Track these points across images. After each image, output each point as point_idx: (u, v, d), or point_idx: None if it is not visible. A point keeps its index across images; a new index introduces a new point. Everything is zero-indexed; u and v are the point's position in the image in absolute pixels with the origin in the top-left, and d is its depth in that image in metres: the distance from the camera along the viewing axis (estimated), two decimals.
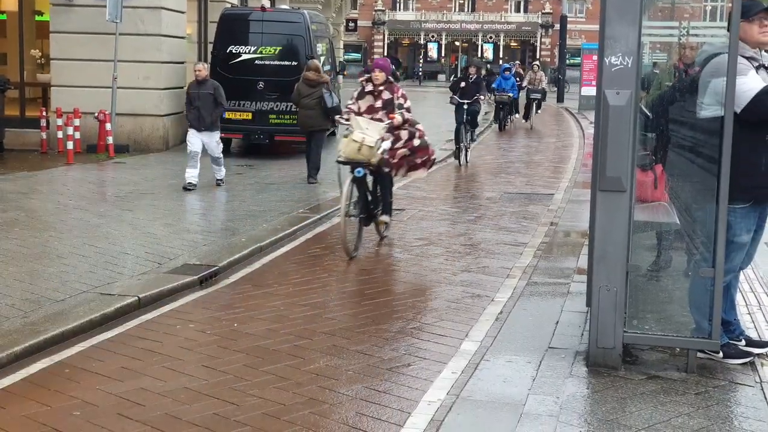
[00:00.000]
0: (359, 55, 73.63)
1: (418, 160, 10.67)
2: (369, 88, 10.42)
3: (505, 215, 12.66)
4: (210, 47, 19.95)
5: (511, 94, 27.23)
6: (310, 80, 15.01)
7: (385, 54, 72.29)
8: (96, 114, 17.27)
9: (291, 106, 17.79)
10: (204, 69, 14.38)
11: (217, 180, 14.39)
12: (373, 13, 79.58)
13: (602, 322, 5.87)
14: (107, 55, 17.47)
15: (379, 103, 10.32)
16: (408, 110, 10.37)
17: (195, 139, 14.00)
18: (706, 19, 9.47)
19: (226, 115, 17.95)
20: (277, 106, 18.09)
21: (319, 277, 9.00)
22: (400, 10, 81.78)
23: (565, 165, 18.83)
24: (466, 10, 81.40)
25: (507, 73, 28.02)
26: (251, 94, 18.03)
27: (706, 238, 5.78)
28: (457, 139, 18.49)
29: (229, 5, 22.41)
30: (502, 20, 78.49)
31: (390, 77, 10.50)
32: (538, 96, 29.34)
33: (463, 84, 19.02)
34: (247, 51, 18.12)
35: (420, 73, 70.41)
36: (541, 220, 12.25)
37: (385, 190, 10.54)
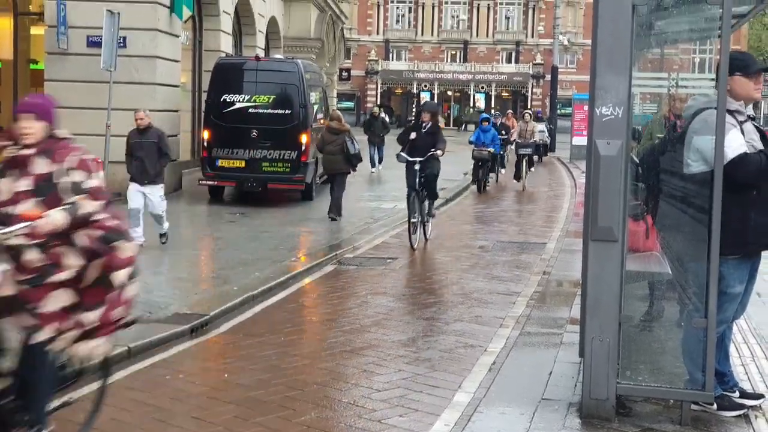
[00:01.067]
0: (352, 103, 74.14)
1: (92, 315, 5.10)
2: None
3: (497, 264, 12.65)
4: (204, 96, 20.03)
5: (491, 149, 23.29)
6: (333, 129, 16.63)
7: (378, 103, 72.72)
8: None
9: (285, 154, 17.92)
10: (146, 117, 12.86)
11: (161, 235, 12.92)
12: (367, 62, 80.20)
13: (595, 372, 5.84)
14: (101, 103, 17.50)
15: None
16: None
17: (136, 195, 12.59)
18: (694, 71, 9.55)
19: (219, 162, 18.10)
20: (270, 153, 18.12)
21: (310, 327, 8.97)
22: (393, 59, 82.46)
23: (557, 214, 18.87)
24: (458, 60, 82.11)
25: (486, 124, 24.13)
26: (244, 142, 18.07)
27: (698, 289, 5.77)
28: (409, 212, 13.85)
29: (224, 54, 22.57)
30: (494, 71, 79.16)
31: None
32: (528, 151, 25.12)
33: (413, 135, 14.07)
34: (241, 99, 18.19)
35: (412, 121, 70.75)
36: (534, 269, 12.24)
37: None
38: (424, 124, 14.05)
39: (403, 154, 13.92)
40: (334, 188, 16.21)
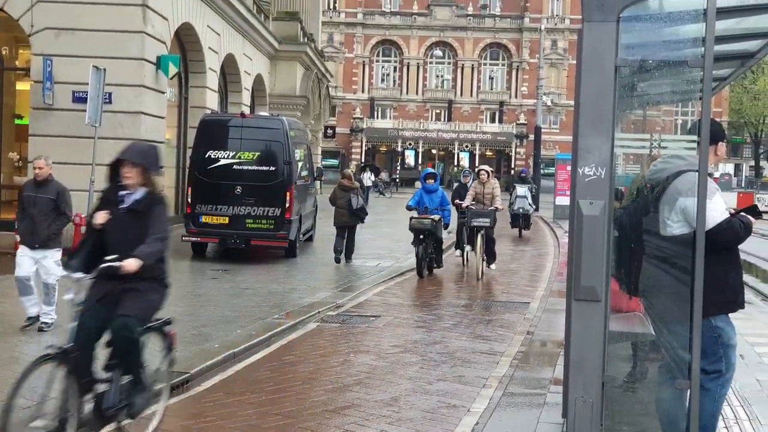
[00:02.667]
0: (337, 161, 74.48)
1: None
2: None
3: (481, 323, 12.62)
4: (189, 152, 20.07)
5: (435, 217, 17.16)
6: (344, 186, 18.76)
7: (363, 160, 73.01)
8: (73, 217, 17.18)
9: (268, 210, 17.92)
10: (46, 166, 10.68)
11: (42, 323, 10.56)
12: (352, 120, 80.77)
13: None
14: (86, 159, 17.48)
15: None
16: None
17: (26, 261, 10.57)
18: (677, 133, 9.64)
19: (203, 219, 18.06)
20: (254, 210, 18.12)
21: (292, 386, 8.88)
22: (377, 118, 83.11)
23: (540, 273, 18.88)
24: (442, 119, 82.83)
25: (431, 181, 18.00)
26: (228, 199, 18.07)
27: (682, 349, 5.76)
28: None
29: (209, 111, 22.66)
30: (478, 130, 79.83)
31: None
32: (485, 223, 17.33)
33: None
34: (225, 156, 18.22)
35: (397, 180, 71.06)
36: (518, 328, 12.20)
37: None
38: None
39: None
40: (348, 238, 18.49)
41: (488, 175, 18.49)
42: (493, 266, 18.26)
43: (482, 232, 17.42)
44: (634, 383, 6.61)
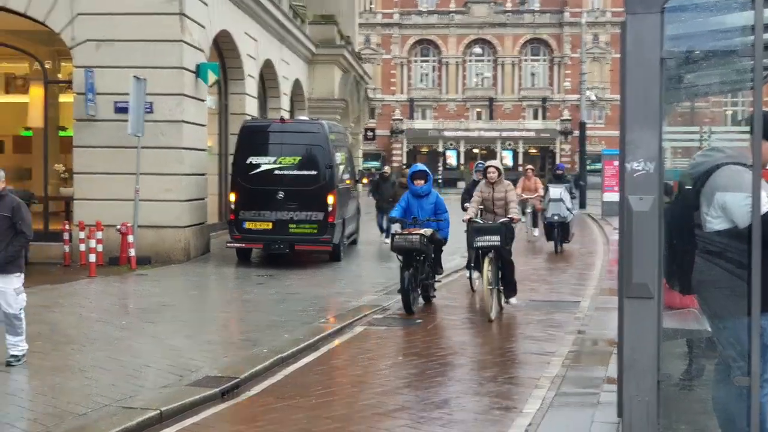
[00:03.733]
0: (378, 163, 74.51)
1: None
2: None
3: (531, 323, 12.49)
4: (231, 158, 20.15)
5: (427, 232, 13.15)
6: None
7: (404, 162, 72.99)
8: (118, 226, 17.37)
9: (311, 215, 17.92)
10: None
11: (11, 356, 9.14)
12: (392, 122, 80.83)
13: None
14: (129, 168, 17.66)
15: None
16: None
17: None
18: (727, 124, 9.48)
19: (247, 225, 18.11)
20: (297, 215, 18.12)
21: (342, 389, 8.86)
22: (418, 119, 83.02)
23: (590, 272, 18.67)
24: (483, 118, 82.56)
25: (421, 183, 13.81)
26: (271, 204, 18.09)
27: (740, 345, 5.64)
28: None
29: (249, 117, 22.75)
30: (521, 127, 79.50)
31: None
32: (493, 242, 12.66)
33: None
34: (267, 161, 18.25)
35: (440, 181, 71.02)
36: (568, 328, 12.06)
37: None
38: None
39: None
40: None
41: (498, 174, 13.44)
42: (513, 300, 13.40)
43: (490, 254, 12.64)
44: (691, 381, 6.50)
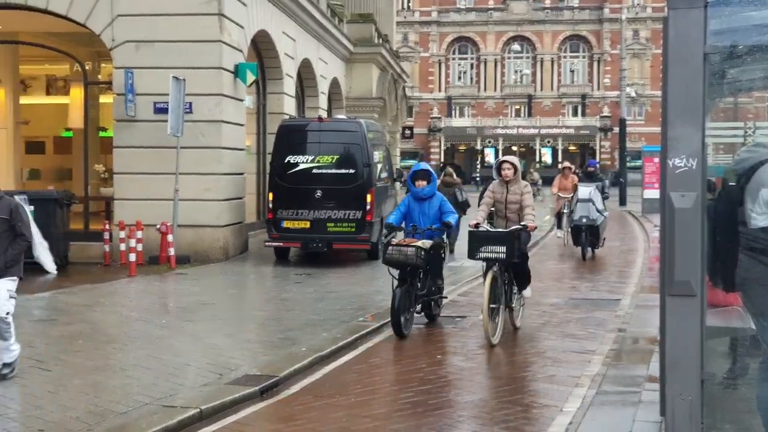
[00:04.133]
0: (416, 161, 74.39)
1: None
2: None
3: (571, 322, 12.40)
4: (269, 158, 20.22)
5: (425, 244, 11.29)
6: (446, 182, 20.30)
7: (442, 160, 72.89)
8: (158, 226, 17.48)
9: (349, 213, 17.92)
10: None
11: (4, 365, 8.72)
12: (429, 120, 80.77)
13: None
14: (168, 168, 17.76)
15: None
16: None
17: None
18: None
19: (285, 223, 18.15)
20: (335, 213, 18.13)
21: (381, 387, 8.84)
22: (456, 116, 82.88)
23: (630, 269, 18.50)
24: (522, 115, 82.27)
25: (423, 184, 11.92)
26: (309, 203, 18.12)
27: None
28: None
29: (287, 117, 22.81)
30: (560, 124, 79.13)
31: None
32: (499, 254, 10.84)
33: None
34: (304, 160, 18.27)
35: (478, 179, 70.82)
36: (609, 326, 11.95)
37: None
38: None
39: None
40: (450, 234, 15.75)
41: (515, 171, 11.58)
42: (527, 292, 12.05)
43: (495, 268, 10.89)
44: (735, 380, 6.40)
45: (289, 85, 24.74)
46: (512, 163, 11.62)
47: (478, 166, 75.87)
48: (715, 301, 6.11)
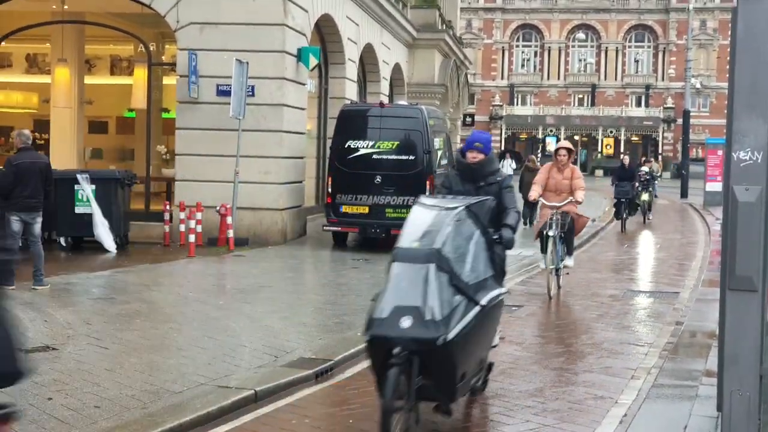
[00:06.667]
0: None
1: None
2: None
3: (628, 314, 12.29)
4: (329, 142, 20.28)
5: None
6: (529, 168, 22.95)
7: (503, 148, 72.52)
8: (218, 208, 17.65)
9: (408, 200, 17.89)
10: None
11: None
12: (491, 108, 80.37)
13: (735, 428, 5.56)
14: (229, 151, 17.89)
15: None
16: None
17: None
18: None
19: (343, 208, 18.18)
20: (394, 200, 18.12)
21: None
22: (517, 104, 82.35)
23: (690, 262, 18.26)
24: (585, 104, 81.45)
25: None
26: (368, 188, 18.13)
27: None
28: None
29: (348, 101, 22.84)
30: (623, 114, 78.23)
31: None
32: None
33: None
34: (365, 145, 18.28)
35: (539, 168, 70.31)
36: (666, 319, 11.83)
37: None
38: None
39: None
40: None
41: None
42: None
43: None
44: None
45: (351, 70, 24.78)
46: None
47: (540, 155, 75.36)
48: None
